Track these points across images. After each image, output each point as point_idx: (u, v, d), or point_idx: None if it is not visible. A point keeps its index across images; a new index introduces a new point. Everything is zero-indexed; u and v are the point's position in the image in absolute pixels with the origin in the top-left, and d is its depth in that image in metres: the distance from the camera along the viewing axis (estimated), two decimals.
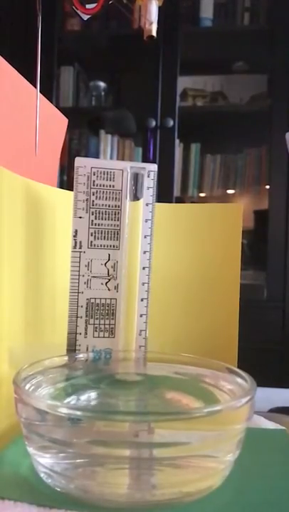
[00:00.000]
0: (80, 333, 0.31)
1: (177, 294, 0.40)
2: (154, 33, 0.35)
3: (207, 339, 0.39)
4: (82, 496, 0.22)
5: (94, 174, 0.31)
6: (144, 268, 0.32)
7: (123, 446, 0.22)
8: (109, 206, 0.31)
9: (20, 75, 0.36)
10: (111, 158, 1.53)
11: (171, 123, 1.41)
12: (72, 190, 0.31)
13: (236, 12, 1.47)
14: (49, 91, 1.43)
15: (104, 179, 0.31)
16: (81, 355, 0.31)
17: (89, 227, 0.31)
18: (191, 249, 0.40)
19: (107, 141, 1.53)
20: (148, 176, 0.32)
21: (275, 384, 0.49)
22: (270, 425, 0.34)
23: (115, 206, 0.31)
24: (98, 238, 0.31)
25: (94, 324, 0.31)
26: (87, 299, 0.31)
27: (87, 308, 0.31)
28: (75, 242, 0.31)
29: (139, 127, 1.49)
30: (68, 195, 0.35)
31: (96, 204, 0.31)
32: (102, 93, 1.60)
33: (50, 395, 0.26)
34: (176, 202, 1.41)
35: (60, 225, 0.36)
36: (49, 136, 0.42)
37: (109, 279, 0.31)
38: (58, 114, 0.44)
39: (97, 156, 1.52)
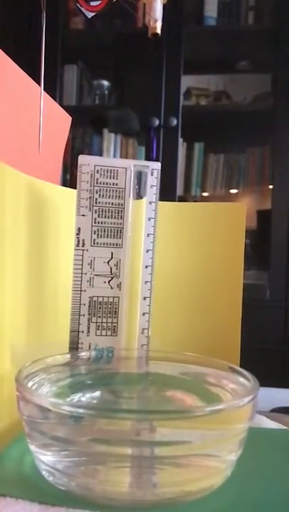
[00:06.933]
0: (83, 331, 0.31)
1: (180, 293, 0.40)
2: (159, 31, 0.35)
3: (210, 338, 0.39)
4: (84, 494, 0.22)
5: (97, 172, 0.31)
6: (146, 266, 0.32)
7: (125, 445, 0.22)
8: (112, 204, 0.31)
9: (25, 73, 0.36)
10: (114, 157, 1.52)
11: (174, 122, 1.40)
12: (75, 189, 0.31)
13: (240, 11, 1.47)
14: (53, 89, 1.43)
15: (107, 177, 0.31)
16: (83, 353, 0.31)
17: (92, 225, 0.31)
18: (194, 248, 0.40)
19: (111, 140, 1.53)
20: (151, 175, 0.32)
21: (278, 384, 0.49)
22: (273, 425, 0.34)
23: (118, 204, 0.31)
24: (101, 236, 0.31)
25: (96, 322, 0.31)
26: (90, 297, 0.31)
27: (89, 306, 0.31)
28: (78, 240, 0.31)
29: (142, 126, 1.48)
30: (71, 193, 0.35)
31: (99, 202, 0.31)
32: (106, 92, 1.59)
33: (52, 393, 0.26)
34: (179, 201, 1.40)
35: (63, 223, 0.36)
36: (52, 134, 0.42)
37: (112, 278, 0.31)
38: (62, 112, 0.44)
39: (100, 154, 1.52)
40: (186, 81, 1.49)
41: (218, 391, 0.28)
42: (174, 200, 1.37)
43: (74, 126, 0.47)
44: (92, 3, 0.34)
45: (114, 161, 0.31)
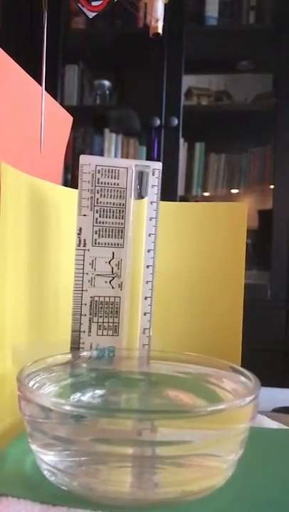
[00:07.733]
0: (84, 331, 0.31)
1: (181, 292, 0.40)
2: (160, 30, 0.35)
3: (211, 338, 0.39)
4: (85, 494, 0.22)
5: (98, 172, 0.31)
6: (148, 266, 0.32)
7: (126, 444, 0.22)
8: (113, 204, 0.31)
9: (26, 73, 0.36)
10: (115, 157, 1.52)
11: (175, 122, 1.40)
12: (76, 189, 0.31)
13: (242, 11, 1.47)
14: (54, 89, 1.43)
15: (108, 177, 0.31)
16: (84, 353, 0.31)
17: (93, 225, 0.31)
18: (195, 248, 0.40)
19: (112, 140, 1.53)
20: (153, 174, 0.32)
21: (279, 384, 0.49)
22: (274, 425, 0.34)
23: (120, 204, 0.31)
24: (102, 236, 0.31)
25: (98, 322, 0.31)
26: (91, 297, 0.31)
27: (91, 306, 0.31)
28: (80, 240, 0.31)
29: (143, 126, 1.48)
30: (73, 193, 0.35)
31: (100, 202, 0.31)
32: (107, 92, 1.59)
33: (53, 393, 0.26)
34: (180, 201, 1.40)
35: (64, 223, 0.36)
36: (54, 134, 0.42)
37: (113, 277, 0.31)
38: (63, 111, 0.44)
39: (101, 154, 1.52)
40: (187, 81, 1.48)
41: (219, 391, 0.28)
42: (175, 200, 1.37)
43: (75, 126, 0.47)
44: (94, 3, 0.34)
45: (116, 161, 0.31)
